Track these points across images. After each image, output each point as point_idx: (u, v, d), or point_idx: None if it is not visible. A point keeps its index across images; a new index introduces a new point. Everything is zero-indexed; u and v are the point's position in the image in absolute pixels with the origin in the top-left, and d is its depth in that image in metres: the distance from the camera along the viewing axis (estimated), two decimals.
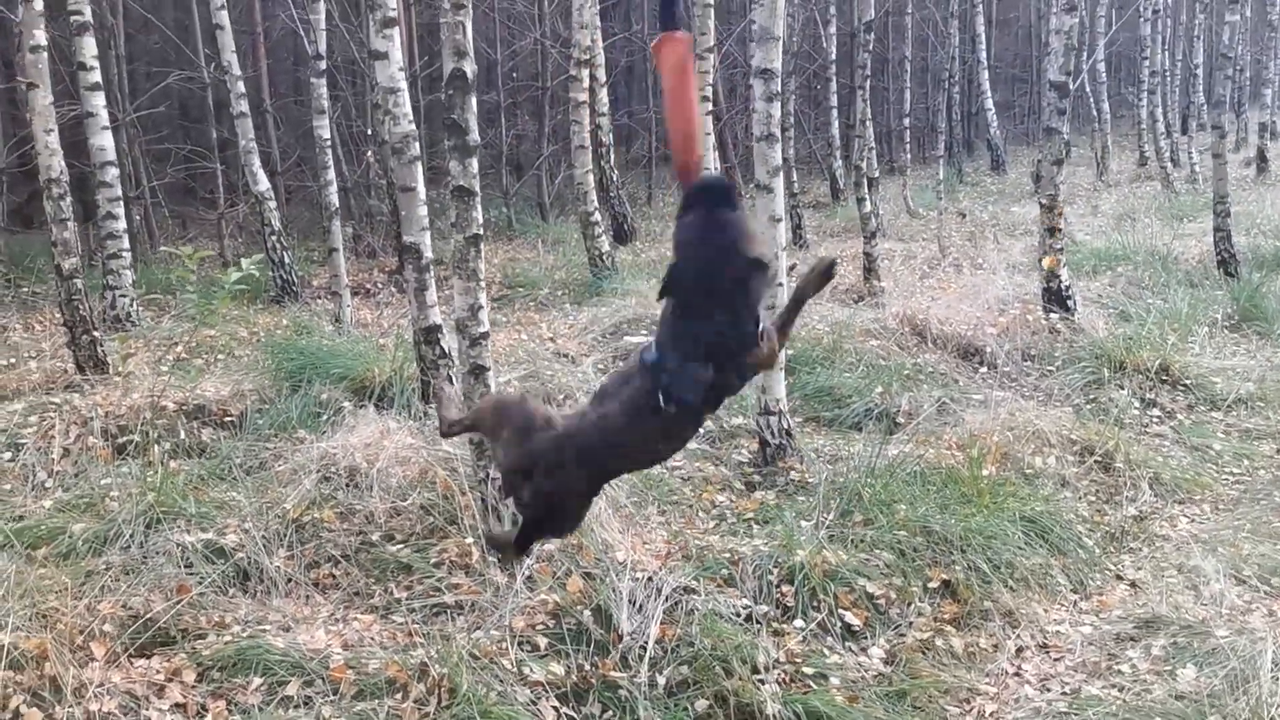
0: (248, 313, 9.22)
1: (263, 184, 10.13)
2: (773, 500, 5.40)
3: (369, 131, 12.62)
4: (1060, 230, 8.22)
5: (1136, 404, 7.11)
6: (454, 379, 4.81)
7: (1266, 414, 7.21)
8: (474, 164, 4.31)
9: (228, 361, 7.42)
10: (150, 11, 14.50)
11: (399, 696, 3.35)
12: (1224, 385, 7.48)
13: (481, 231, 4.40)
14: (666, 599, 3.89)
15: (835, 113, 16.24)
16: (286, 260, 10.14)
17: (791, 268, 11.12)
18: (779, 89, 5.66)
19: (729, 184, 2.74)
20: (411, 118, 6.01)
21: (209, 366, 7.12)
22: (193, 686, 3.47)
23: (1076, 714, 3.66)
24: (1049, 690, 4.01)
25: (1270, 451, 6.61)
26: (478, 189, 4.33)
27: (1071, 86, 8.11)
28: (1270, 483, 6.16)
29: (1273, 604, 4.46)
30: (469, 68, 4.20)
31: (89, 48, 8.50)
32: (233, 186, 14.01)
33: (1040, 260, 8.36)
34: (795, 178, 14.49)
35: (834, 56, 15.25)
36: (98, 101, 8.64)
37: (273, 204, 10.20)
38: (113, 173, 8.80)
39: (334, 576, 4.32)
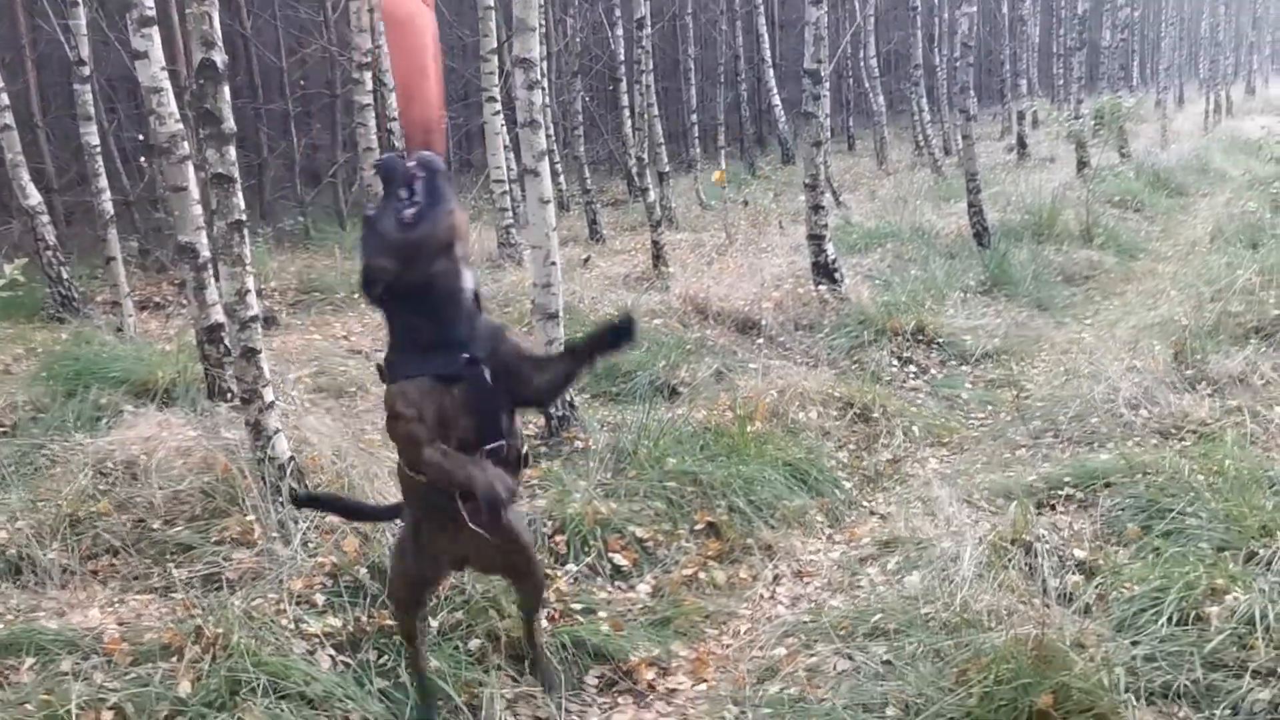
0: (23, 330, 8.91)
1: (34, 198, 9.76)
2: (557, 468, 5.68)
3: (146, 141, 12.27)
4: (824, 208, 8.82)
5: (895, 362, 7.76)
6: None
7: (1009, 365, 7.98)
8: (231, 151, 4.43)
9: (1, 377, 7.21)
10: None
11: (175, 659, 3.46)
12: (973, 342, 8.23)
13: (244, 218, 4.52)
14: None
15: (627, 112, 16.69)
16: (64, 275, 9.80)
17: (586, 260, 11.54)
18: (538, 77, 5.96)
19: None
20: (178, 116, 6.02)
21: None
22: None
23: (814, 622, 4.07)
24: (798, 607, 4.43)
25: (1009, 398, 7.32)
26: (236, 175, 4.45)
27: (824, 73, 8.72)
28: (1007, 424, 6.84)
29: (995, 520, 5.02)
30: (219, 57, 4.32)
31: None
32: (6, 204, 13.37)
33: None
34: (589, 175, 14.87)
35: (622, 57, 15.71)
36: None
37: (45, 218, 9.83)
38: None
39: (113, 565, 4.35)
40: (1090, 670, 3.23)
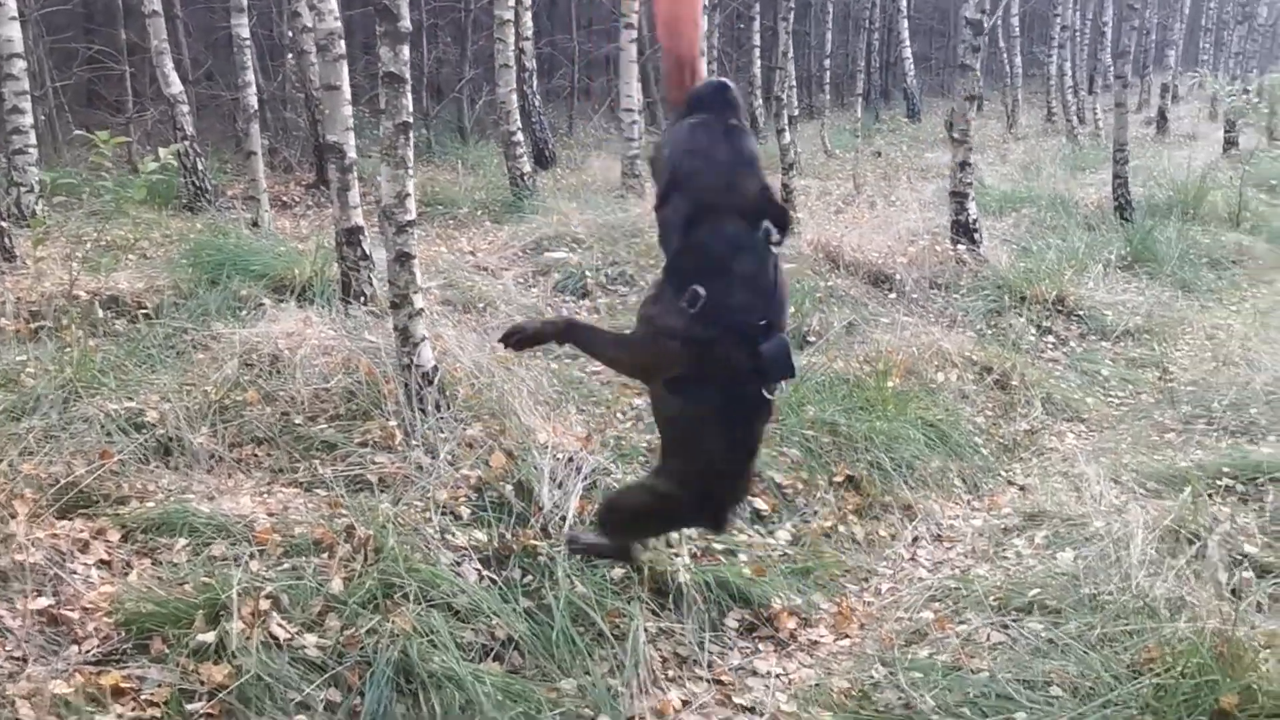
0: (160, 217, 9.05)
1: (175, 86, 9.87)
2: None
3: (289, 35, 12.33)
4: (970, 165, 8.50)
5: (1033, 331, 7.47)
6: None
7: (1151, 345, 7.64)
8: (405, 51, 4.34)
9: (140, 261, 7.32)
10: None
11: (326, 555, 3.45)
12: (1114, 317, 7.89)
13: (410, 119, 4.44)
14: (586, 477, 4.04)
15: (757, 52, 16.31)
16: (200, 167, 9.93)
17: None
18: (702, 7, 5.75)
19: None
20: (338, 14, 5.97)
21: (122, 262, 7.00)
22: (117, 545, 3.51)
23: (963, 590, 3.92)
24: (940, 571, 4.28)
25: (1152, 378, 7.01)
26: (408, 76, 4.36)
27: (986, 25, 8.34)
28: (1151, 405, 6.55)
29: (1146, 503, 4.79)
30: None
31: None
32: (141, 93, 13.60)
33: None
34: None
35: None
36: None
37: (185, 108, 9.94)
38: (19, 65, 8.49)
39: (257, 455, 4.37)
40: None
